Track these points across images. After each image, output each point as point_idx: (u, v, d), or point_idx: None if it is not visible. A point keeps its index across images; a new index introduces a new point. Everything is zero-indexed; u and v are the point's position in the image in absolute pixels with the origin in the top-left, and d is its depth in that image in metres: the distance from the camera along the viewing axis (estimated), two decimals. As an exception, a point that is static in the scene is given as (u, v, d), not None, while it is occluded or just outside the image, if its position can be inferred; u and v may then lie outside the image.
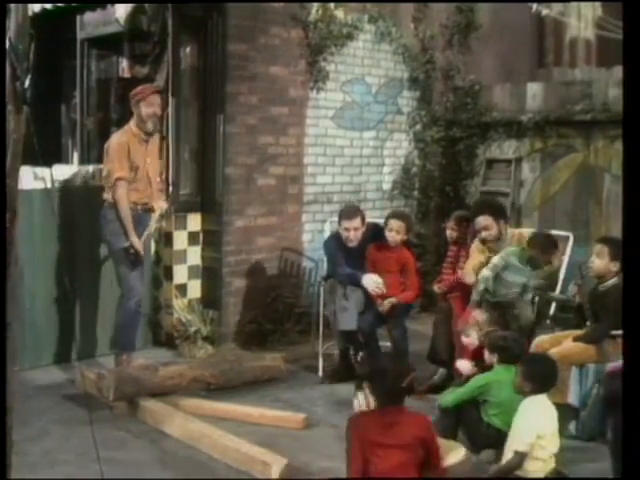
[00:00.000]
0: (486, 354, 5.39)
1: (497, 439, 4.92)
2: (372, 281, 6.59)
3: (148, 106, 6.54)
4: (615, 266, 5.61)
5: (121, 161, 6.47)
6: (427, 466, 4.12)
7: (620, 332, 5.15)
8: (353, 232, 6.74)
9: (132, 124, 6.63)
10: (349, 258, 6.82)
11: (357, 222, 6.75)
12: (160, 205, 6.86)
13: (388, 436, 4.03)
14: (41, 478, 4.72)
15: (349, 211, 6.97)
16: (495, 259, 6.14)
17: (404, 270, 6.82)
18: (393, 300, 6.67)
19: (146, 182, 6.65)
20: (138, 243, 6.49)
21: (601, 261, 5.69)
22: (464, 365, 5.66)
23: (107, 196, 6.56)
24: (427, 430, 4.18)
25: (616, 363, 5.27)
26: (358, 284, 6.66)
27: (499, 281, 6.08)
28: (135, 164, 6.53)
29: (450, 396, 5.37)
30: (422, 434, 4.12)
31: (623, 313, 3.83)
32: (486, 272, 6.12)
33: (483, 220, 6.37)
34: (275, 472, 4.80)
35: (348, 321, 6.64)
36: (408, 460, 4.04)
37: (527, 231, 6.84)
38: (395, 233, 6.74)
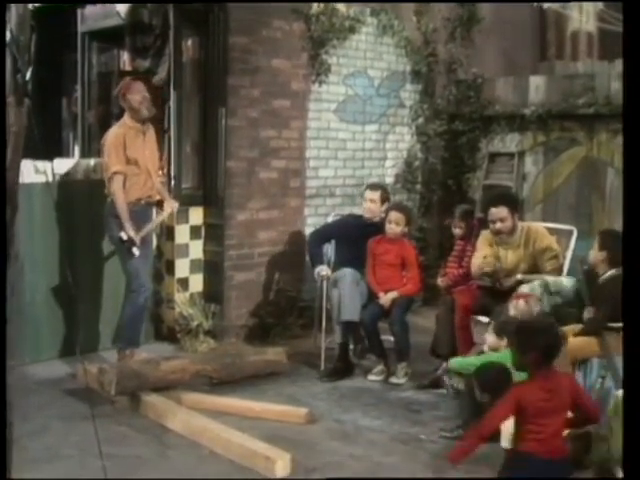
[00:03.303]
0: (491, 337, 5.40)
1: None
2: (317, 272, 7.02)
3: (135, 93, 6.58)
4: (601, 255, 5.64)
5: (118, 155, 6.46)
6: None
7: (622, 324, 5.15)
8: (371, 203, 7.08)
9: (126, 118, 6.64)
10: (350, 242, 7.04)
11: (377, 195, 7.11)
12: (171, 205, 6.91)
13: (551, 401, 4.06)
14: (42, 475, 4.68)
15: (374, 184, 7.66)
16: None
17: (406, 264, 6.82)
18: (394, 294, 6.67)
19: (147, 175, 6.65)
20: (135, 235, 6.45)
21: (592, 252, 5.77)
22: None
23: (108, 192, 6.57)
24: (577, 386, 4.27)
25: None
26: (313, 265, 7.13)
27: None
28: (133, 157, 6.51)
29: (459, 362, 5.44)
30: (575, 391, 4.18)
31: (623, 305, 3.82)
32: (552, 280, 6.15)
33: (498, 212, 6.38)
34: (279, 467, 4.79)
35: (351, 312, 6.64)
36: (565, 422, 4.14)
37: (535, 224, 6.82)
38: (394, 225, 6.76)
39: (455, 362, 5.62)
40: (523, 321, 4.84)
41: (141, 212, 6.61)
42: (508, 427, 4.44)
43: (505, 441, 4.64)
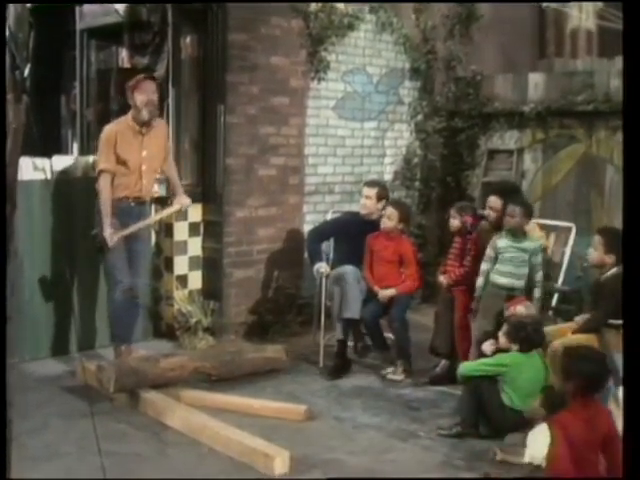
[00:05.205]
0: (503, 339, 5.40)
1: (520, 423, 5.07)
2: (315, 269, 6.99)
3: (141, 93, 6.47)
4: (610, 258, 5.63)
5: (107, 153, 6.42)
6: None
7: (621, 322, 5.15)
8: (366, 200, 7.09)
9: (129, 115, 6.58)
10: (349, 239, 7.05)
11: (373, 192, 7.10)
12: (182, 202, 6.86)
13: (589, 432, 3.97)
14: (42, 473, 4.67)
15: (371, 181, 7.66)
16: (487, 250, 6.26)
17: (404, 260, 6.81)
18: (392, 291, 6.66)
19: (137, 176, 6.56)
20: (109, 234, 6.32)
21: (596, 253, 5.71)
22: (487, 346, 5.62)
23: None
24: (612, 426, 4.09)
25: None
26: (312, 262, 7.11)
27: (505, 263, 6.13)
28: (122, 157, 6.44)
29: (472, 365, 5.41)
30: (610, 427, 4.06)
31: (623, 303, 3.81)
32: (483, 266, 6.24)
33: (492, 201, 6.57)
34: (277, 464, 4.79)
35: (353, 309, 6.63)
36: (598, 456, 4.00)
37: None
38: (387, 219, 6.78)
39: (466, 367, 5.49)
40: (571, 346, 4.73)
41: (128, 210, 6.54)
42: (537, 444, 4.36)
43: (529, 457, 4.56)
